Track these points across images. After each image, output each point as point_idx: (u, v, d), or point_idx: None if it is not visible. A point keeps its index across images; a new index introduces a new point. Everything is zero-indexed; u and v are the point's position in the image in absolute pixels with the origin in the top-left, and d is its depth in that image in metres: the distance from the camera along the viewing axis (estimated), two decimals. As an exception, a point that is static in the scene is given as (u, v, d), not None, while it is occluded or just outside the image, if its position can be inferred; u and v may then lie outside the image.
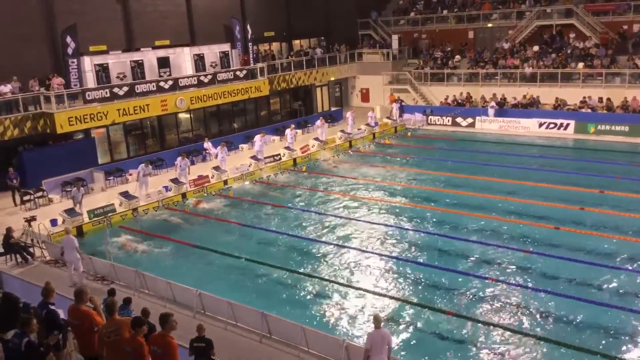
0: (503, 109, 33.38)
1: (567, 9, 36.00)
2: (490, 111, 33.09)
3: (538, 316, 13.28)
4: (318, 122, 31.44)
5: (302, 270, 16.30)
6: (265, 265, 16.59)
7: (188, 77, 30.00)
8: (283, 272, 16.16)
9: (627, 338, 12.23)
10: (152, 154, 28.01)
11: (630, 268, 15.21)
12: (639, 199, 20.09)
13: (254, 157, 26.91)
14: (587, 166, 24.98)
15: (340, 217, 20.28)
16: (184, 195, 23.27)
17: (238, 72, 32.38)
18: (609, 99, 31.02)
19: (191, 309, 13.51)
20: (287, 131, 29.24)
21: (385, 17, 45.18)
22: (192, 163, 27.86)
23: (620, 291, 14.13)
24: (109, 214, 20.71)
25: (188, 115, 31.03)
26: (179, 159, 24.02)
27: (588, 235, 17.52)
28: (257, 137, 27.80)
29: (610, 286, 14.36)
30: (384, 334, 10.07)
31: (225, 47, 33.43)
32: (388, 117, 35.56)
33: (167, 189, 23.18)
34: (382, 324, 10.50)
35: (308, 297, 14.86)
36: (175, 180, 23.59)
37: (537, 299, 14.01)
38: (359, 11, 44.75)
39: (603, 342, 12.13)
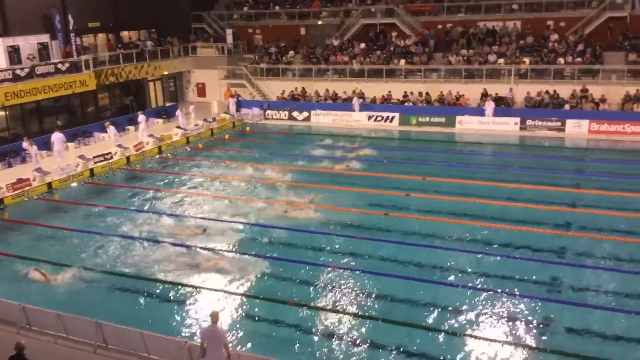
0: (368, 104, 34.45)
1: (389, 9, 38.54)
2: (356, 105, 33.98)
3: (374, 298, 14.12)
4: (140, 119, 30.16)
5: (138, 273, 15.60)
6: (97, 272, 15.63)
7: (1, 71, 27.14)
8: (119, 278, 15.36)
9: (452, 312, 13.44)
10: (-40, 157, 25.02)
11: (452, 247, 16.70)
12: (456, 183, 22.23)
13: (81, 157, 25.19)
14: (411, 155, 27.08)
15: (177, 215, 19.76)
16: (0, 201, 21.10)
17: (60, 65, 30.03)
18: (427, 93, 33.83)
19: (15, 324, 12.37)
20: (110, 129, 27.91)
21: (219, 10, 44.79)
22: (10, 165, 25.53)
23: (445, 268, 15.51)
24: None
25: (3, 113, 28.05)
26: None
27: (414, 219, 18.98)
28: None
29: (437, 264, 15.68)
30: (213, 330, 10.24)
31: (45, 38, 30.83)
32: (225, 112, 35.36)
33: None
34: (219, 320, 10.57)
35: (147, 301, 14.30)
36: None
37: (371, 281, 14.88)
38: (192, 3, 43.78)
39: (432, 316, 13.24)
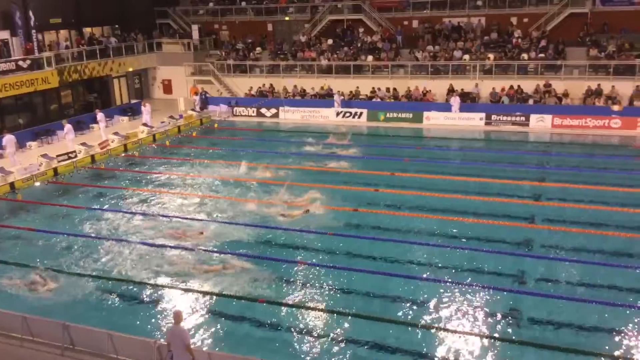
0: (352, 100, 34.35)
1: (356, 5, 38.65)
2: (337, 102, 33.69)
3: (344, 293, 14.17)
4: (99, 117, 29.46)
5: (106, 274, 15.34)
6: (62, 273, 15.31)
7: (-42, 68, 26.41)
8: (86, 279, 15.07)
9: (423, 305, 13.59)
10: None
11: (422, 242, 16.84)
12: (424, 178, 22.43)
13: (44, 156, 24.60)
14: (379, 151, 27.22)
15: (145, 214, 19.46)
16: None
17: (21, 63, 29.26)
18: (395, 89, 34.07)
19: (-23, 329, 12.04)
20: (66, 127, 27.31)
21: (184, 6, 44.23)
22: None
23: (413, 262, 15.65)
24: None
25: (-39, 111, 27.30)
26: None
27: (383, 214, 19.10)
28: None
29: (406, 259, 15.81)
30: (175, 331, 10.18)
31: (5, 34, 30.01)
32: (193, 109, 34.97)
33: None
34: (182, 320, 10.50)
35: (116, 301, 14.07)
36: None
37: (342, 277, 14.92)
38: (156, -1, 43.23)
39: (404, 310, 13.35)
